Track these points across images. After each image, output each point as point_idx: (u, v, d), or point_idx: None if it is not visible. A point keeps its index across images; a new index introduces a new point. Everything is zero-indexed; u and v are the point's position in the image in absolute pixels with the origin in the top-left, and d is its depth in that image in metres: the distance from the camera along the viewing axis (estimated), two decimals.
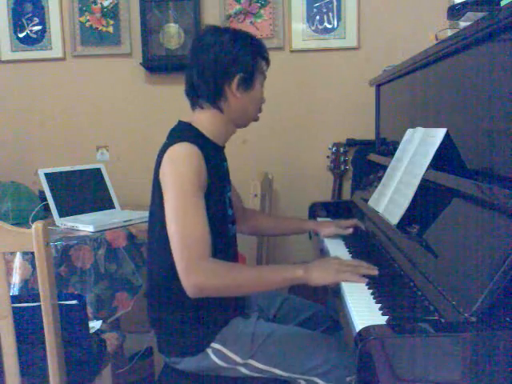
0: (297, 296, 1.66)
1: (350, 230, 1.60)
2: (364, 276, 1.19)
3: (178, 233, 1.17)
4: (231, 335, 1.28)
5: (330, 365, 1.23)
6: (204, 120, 1.33)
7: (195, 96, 1.33)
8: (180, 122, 1.36)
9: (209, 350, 1.27)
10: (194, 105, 1.35)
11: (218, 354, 1.27)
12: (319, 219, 1.95)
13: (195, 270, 1.15)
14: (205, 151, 1.24)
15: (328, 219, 1.94)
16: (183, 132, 1.31)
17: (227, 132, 1.37)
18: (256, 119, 1.41)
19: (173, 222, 1.19)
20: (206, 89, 1.30)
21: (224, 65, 1.28)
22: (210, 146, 1.30)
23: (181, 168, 1.20)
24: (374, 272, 1.20)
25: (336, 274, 1.20)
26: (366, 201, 1.73)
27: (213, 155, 1.28)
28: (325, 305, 1.63)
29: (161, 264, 1.30)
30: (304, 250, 2.34)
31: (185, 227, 1.17)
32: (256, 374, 1.27)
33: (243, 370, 1.27)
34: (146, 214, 1.37)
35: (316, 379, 1.23)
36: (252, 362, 1.26)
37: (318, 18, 2.41)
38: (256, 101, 1.36)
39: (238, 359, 1.26)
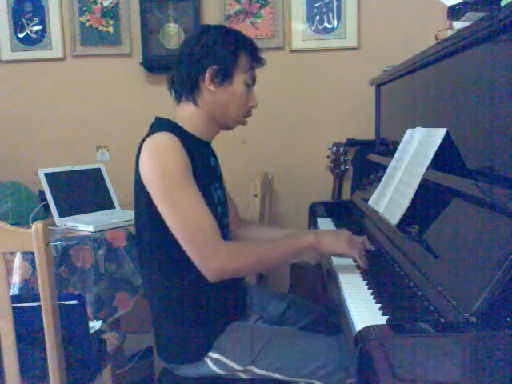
0: (299, 298, 1.64)
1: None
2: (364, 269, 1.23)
3: (184, 226, 1.16)
4: (229, 342, 1.25)
5: (330, 368, 1.22)
6: (183, 115, 1.31)
7: (174, 90, 1.33)
8: (156, 118, 1.33)
9: (207, 359, 1.25)
10: (176, 100, 1.34)
11: (216, 363, 1.24)
12: (319, 219, 1.95)
13: (213, 256, 1.15)
14: (186, 143, 1.20)
15: (329, 219, 1.94)
16: (162, 125, 1.29)
17: (208, 128, 1.33)
18: (242, 122, 1.35)
19: (174, 217, 1.16)
20: (180, 81, 1.29)
21: (197, 56, 1.26)
22: (191, 139, 1.27)
23: (163, 157, 1.17)
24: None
25: (347, 247, 1.24)
26: (366, 201, 1.73)
27: (195, 148, 1.24)
28: (325, 307, 1.62)
29: (155, 268, 1.27)
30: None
31: (188, 219, 1.16)
32: (255, 378, 1.26)
33: (242, 376, 1.26)
34: None
35: (316, 382, 1.22)
36: (251, 367, 1.24)
37: (317, 18, 2.41)
38: (237, 99, 1.29)
39: (236, 367, 1.24)
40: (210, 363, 1.25)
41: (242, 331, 1.29)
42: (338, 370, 1.21)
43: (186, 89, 1.29)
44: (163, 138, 1.19)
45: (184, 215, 1.16)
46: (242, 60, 1.28)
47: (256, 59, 1.32)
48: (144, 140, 1.23)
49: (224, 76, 1.26)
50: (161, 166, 1.17)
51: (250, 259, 1.22)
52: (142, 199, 1.21)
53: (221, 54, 1.26)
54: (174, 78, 1.32)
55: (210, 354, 1.24)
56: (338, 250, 1.25)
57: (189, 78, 1.28)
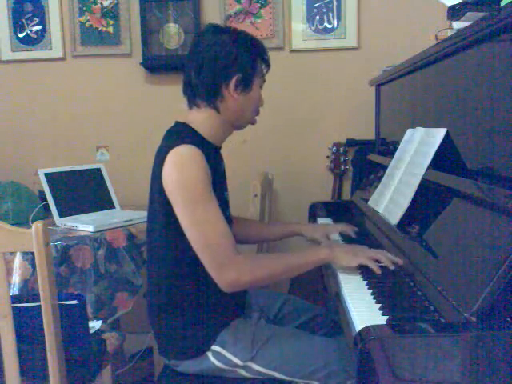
0: (297, 297, 1.65)
1: (336, 237, 1.53)
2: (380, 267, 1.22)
3: (204, 237, 1.18)
4: (231, 337, 1.27)
5: (329, 369, 1.22)
6: (200, 120, 1.32)
7: (192, 95, 1.32)
8: (177, 123, 1.35)
9: (209, 353, 1.27)
10: (191, 104, 1.34)
11: (218, 357, 1.26)
12: (319, 219, 1.95)
13: (228, 269, 1.17)
14: (204, 152, 1.23)
15: (329, 219, 1.95)
16: (181, 133, 1.30)
17: (224, 132, 1.37)
18: (253, 122, 1.39)
19: (193, 229, 1.19)
20: (203, 88, 1.29)
21: (223, 64, 1.27)
22: (207, 146, 1.29)
23: (189, 172, 1.20)
24: (391, 266, 1.21)
25: (357, 258, 1.24)
26: (366, 201, 1.73)
27: (211, 156, 1.28)
28: (325, 307, 1.62)
29: (160, 266, 1.30)
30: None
31: (207, 232, 1.18)
32: (255, 377, 1.27)
33: (243, 373, 1.27)
34: (146, 213, 1.37)
35: (316, 383, 1.23)
36: (252, 364, 1.26)
37: (317, 18, 2.41)
38: (253, 103, 1.34)
39: (237, 361, 1.26)
40: (211, 357, 1.26)
41: (244, 328, 1.31)
42: (338, 372, 1.22)
43: (208, 95, 1.30)
44: (188, 151, 1.21)
45: (203, 228, 1.19)
46: (258, 66, 1.32)
47: (267, 64, 1.36)
48: (166, 148, 1.23)
49: (246, 84, 1.30)
50: (185, 180, 1.19)
51: (264, 273, 1.23)
52: (159, 204, 1.24)
53: (245, 63, 1.28)
54: (193, 83, 1.31)
55: (213, 347, 1.27)
56: (350, 264, 1.25)
57: (213, 85, 1.29)
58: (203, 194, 1.19)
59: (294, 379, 1.25)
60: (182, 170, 1.20)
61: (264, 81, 1.37)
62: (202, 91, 1.30)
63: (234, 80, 1.28)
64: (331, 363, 1.23)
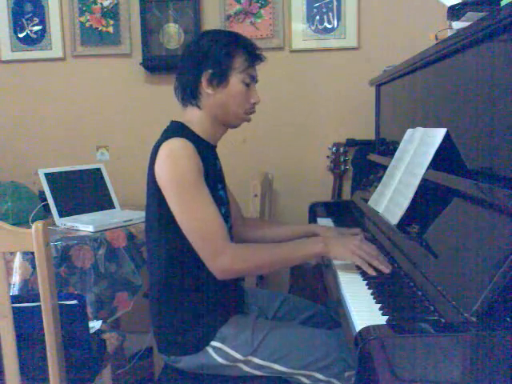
0: (296, 296, 1.65)
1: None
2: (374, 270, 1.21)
3: (196, 226, 1.21)
4: (231, 332, 1.28)
5: (329, 359, 1.24)
6: (192, 118, 1.34)
7: (178, 94, 1.37)
8: (172, 122, 1.37)
9: (209, 348, 1.27)
10: (182, 103, 1.38)
11: (218, 352, 1.27)
12: (319, 219, 1.95)
13: (220, 256, 1.20)
14: (197, 148, 1.25)
15: (329, 219, 1.94)
16: (176, 130, 1.32)
17: (216, 131, 1.37)
18: (246, 119, 1.37)
19: (186, 217, 1.21)
20: (182, 86, 1.34)
21: (193, 61, 1.31)
22: (201, 143, 1.31)
23: (179, 161, 1.21)
24: (385, 270, 1.21)
25: (352, 255, 1.24)
26: (366, 201, 1.73)
27: (205, 153, 1.29)
28: (325, 305, 1.63)
29: (160, 262, 1.31)
30: None
31: (199, 220, 1.21)
32: (256, 371, 1.27)
33: (244, 367, 1.27)
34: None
35: (316, 374, 1.24)
36: (252, 358, 1.26)
37: (317, 18, 2.41)
38: (236, 99, 1.32)
39: (238, 356, 1.26)
40: (211, 352, 1.27)
41: (243, 323, 1.31)
42: (338, 362, 1.23)
43: (187, 94, 1.33)
44: (179, 144, 1.23)
45: (195, 216, 1.21)
46: (237, 61, 1.31)
47: (253, 58, 1.34)
48: (159, 143, 1.26)
49: (219, 79, 1.30)
50: (176, 170, 1.21)
51: (257, 262, 1.25)
52: (153, 198, 1.27)
53: (215, 57, 1.29)
54: (176, 83, 1.37)
55: (212, 343, 1.27)
56: (344, 259, 1.26)
57: (189, 84, 1.32)
58: (194, 183, 1.21)
59: (294, 371, 1.25)
60: (173, 161, 1.22)
61: (253, 76, 1.34)
62: (182, 90, 1.35)
63: (204, 76, 1.30)
64: (331, 353, 1.24)
